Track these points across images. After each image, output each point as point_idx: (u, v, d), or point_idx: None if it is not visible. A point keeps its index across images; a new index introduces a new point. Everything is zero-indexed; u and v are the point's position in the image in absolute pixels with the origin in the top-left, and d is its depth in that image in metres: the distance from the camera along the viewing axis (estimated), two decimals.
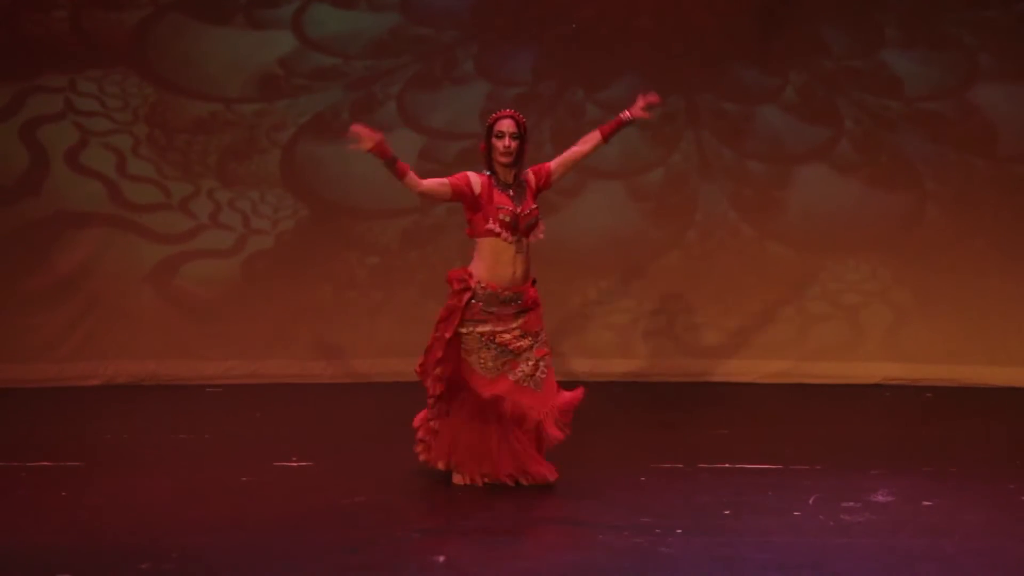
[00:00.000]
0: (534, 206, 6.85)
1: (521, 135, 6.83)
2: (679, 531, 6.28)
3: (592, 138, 7.01)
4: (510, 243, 6.79)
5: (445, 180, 6.85)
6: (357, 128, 6.75)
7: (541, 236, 6.87)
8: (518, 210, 6.78)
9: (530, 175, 6.92)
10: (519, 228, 6.77)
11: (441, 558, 5.88)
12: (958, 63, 10.67)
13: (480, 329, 6.84)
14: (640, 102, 6.94)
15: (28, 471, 7.52)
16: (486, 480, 6.97)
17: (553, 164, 6.98)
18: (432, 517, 6.56)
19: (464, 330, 6.85)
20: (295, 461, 7.76)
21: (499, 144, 6.80)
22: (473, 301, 6.82)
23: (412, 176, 6.78)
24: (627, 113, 6.95)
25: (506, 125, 6.82)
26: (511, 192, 6.83)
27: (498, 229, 6.78)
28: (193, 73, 10.70)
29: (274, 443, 8.32)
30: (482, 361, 6.84)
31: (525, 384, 6.85)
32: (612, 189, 10.74)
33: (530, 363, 6.87)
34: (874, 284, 10.68)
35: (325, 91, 10.75)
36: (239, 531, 6.33)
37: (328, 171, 10.75)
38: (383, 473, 7.48)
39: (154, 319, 10.58)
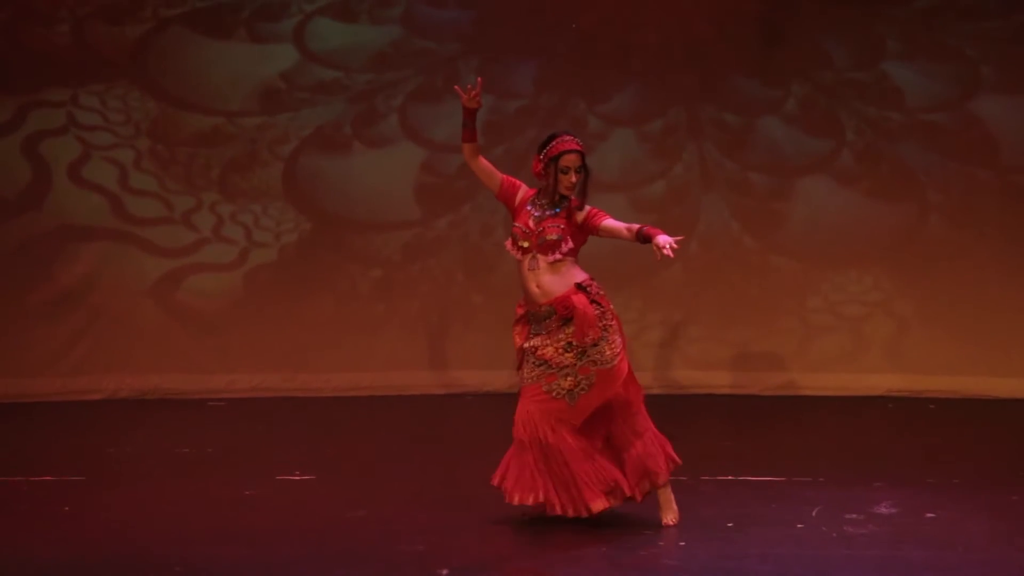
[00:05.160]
0: (560, 225, 6.63)
1: (585, 166, 6.68)
2: (682, 543, 6.28)
3: (632, 230, 6.59)
4: (521, 260, 6.73)
5: (499, 173, 6.79)
6: (478, 89, 6.69)
7: (559, 256, 6.62)
8: (532, 227, 6.70)
9: (583, 208, 6.67)
10: (531, 245, 6.68)
11: (444, 571, 5.87)
12: (959, 74, 10.67)
13: (527, 344, 6.75)
14: (663, 241, 6.41)
15: (30, 485, 7.52)
16: (536, 506, 6.70)
17: (604, 222, 6.65)
18: (434, 530, 6.55)
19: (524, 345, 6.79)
20: (298, 475, 7.76)
21: (565, 180, 6.64)
22: (528, 323, 6.77)
23: (476, 148, 6.76)
24: (661, 240, 6.43)
25: (572, 160, 6.65)
26: (541, 210, 6.69)
27: (509, 245, 6.75)
28: (195, 86, 10.72)
29: (277, 457, 8.32)
30: (524, 372, 6.77)
31: (559, 397, 6.60)
32: (614, 201, 10.68)
33: (569, 379, 6.59)
34: (876, 295, 10.67)
35: (327, 104, 10.77)
36: (242, 545, 6.33)
37: (330, 184, 10.76)
38: (385, 487, 7.48)
39: (156, 333, 10.58)
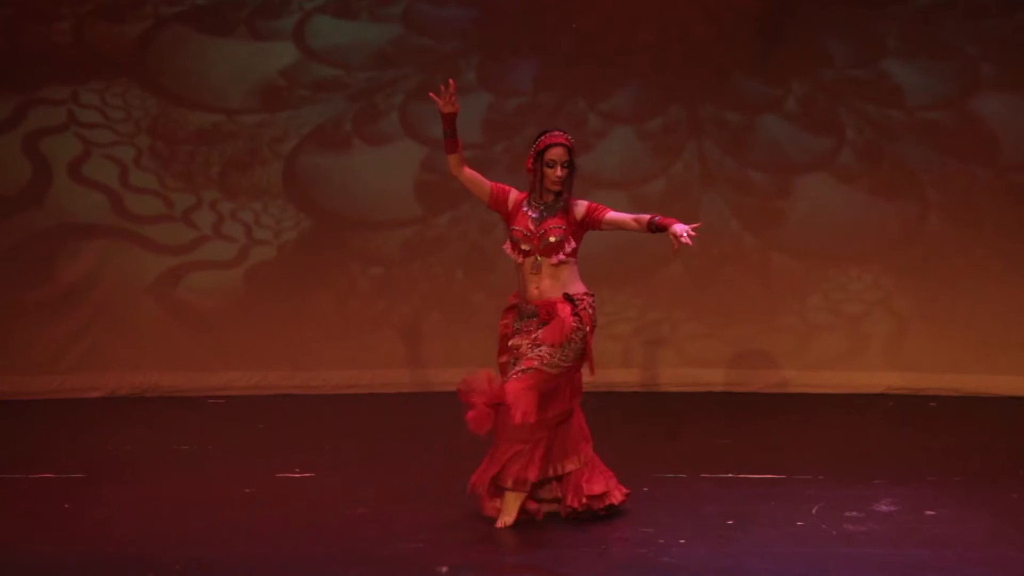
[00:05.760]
0: (561, 226, 6.61)
1: (572, 162, 6.67)
2: (682, 541, 6.28)
3: (641, 221, 6.60)
4: (522, 263, 6.71)
5: (487, 182, 6.78)
6: (451, 91, 6.62)
7: (563, 257, 6.62)
8: (532, 229, 6.68)
9: (579, 205, 6.66)
10: (533, 247, 6.66)
11: (444, 569, 5.87)
12: (959, 72, 10.67)
13: (510, 343, 6.75)
14: (680, 229, 6.47)
15: (31, 483, 7.53)
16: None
17: (608, 215, 6.65)
18: (434, 528, 6.55)
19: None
20: (298, 472, 7.77)
21: (551, 173, 6.63)
22: (516, 315, 6.76)
23: (461, 158, 6.72)
24: (678, 228, 6.49)
25: (558, 154, 6.63)
26: (539, 211, 6.68)
27: (509, 249, 6.75)
28: (195, 84, 10.72)
29: (277, 454, 8.32)
30: (502, 366, 6.77)
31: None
32: (614, 199, 10.57)
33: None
34: (876, 293, 10.68)
35: (327, 102, 10.77)
36: (242, 542, 6.34)
37: (330, 182, 10.77)
38: (385, 484, 7.48)
39: (156, 330, 10.58)
